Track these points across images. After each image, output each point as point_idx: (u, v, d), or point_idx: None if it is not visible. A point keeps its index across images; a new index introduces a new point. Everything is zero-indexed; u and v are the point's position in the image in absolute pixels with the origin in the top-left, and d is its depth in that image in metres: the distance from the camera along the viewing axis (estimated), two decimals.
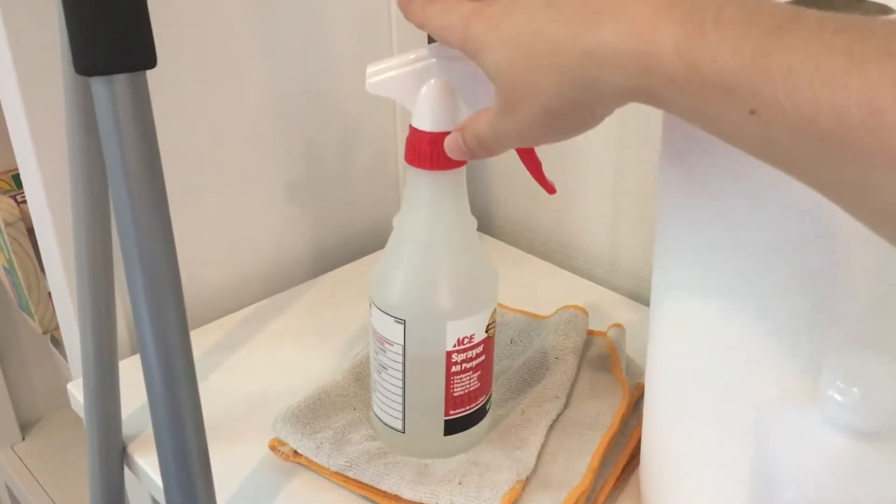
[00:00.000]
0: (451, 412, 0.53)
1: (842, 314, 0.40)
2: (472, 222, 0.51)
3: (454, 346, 0.51)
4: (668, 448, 0.48)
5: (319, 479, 0.55)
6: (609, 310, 0.72)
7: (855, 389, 0.34)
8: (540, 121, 0.37)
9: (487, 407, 0.55)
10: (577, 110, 0.36)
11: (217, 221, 0.73)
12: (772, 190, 0.38)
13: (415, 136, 0.47)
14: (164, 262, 0.44)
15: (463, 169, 0.49)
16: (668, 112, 0.33)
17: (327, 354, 0.68)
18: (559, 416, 0.57)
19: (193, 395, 0.47)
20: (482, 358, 0.52)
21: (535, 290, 0.74)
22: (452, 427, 0.53)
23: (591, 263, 0.81)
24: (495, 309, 0.52)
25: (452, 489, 0.50)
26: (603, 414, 0.56)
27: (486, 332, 0.52)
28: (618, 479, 0.54)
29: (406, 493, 0.51)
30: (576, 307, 0.64)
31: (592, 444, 0.54)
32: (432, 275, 0.50)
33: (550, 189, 0.51)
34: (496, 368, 0.61)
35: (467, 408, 0.53)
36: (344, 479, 0.54)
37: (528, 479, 0.51)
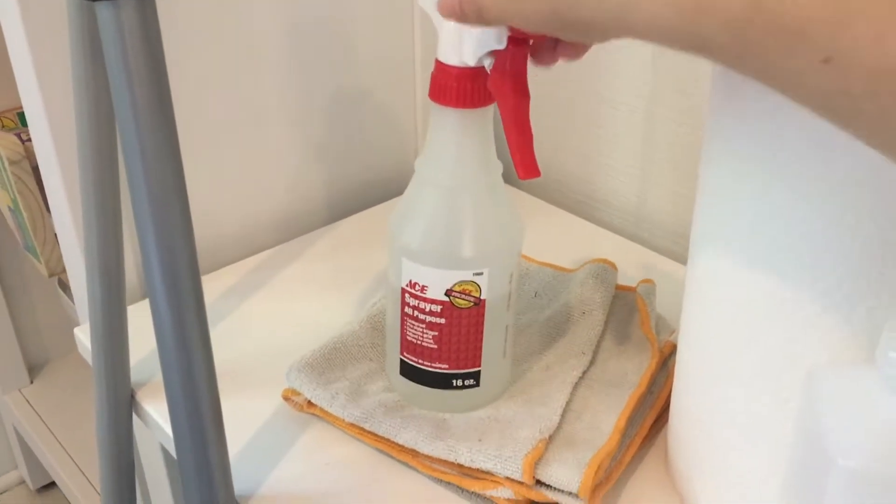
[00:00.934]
0: (405, 353, 0.51)
1: None
2: (498, 166, 0.48)
3: (407, 284, 0.49)
4: (701, 411, 0.46)
5: (334, 430, 0.53)
6: (637, 264, 0.70)
7: None
8: (544, 16, 0.33)
9: (457, 383, 0.51)
10: (587, 28, 0.32)
11: (230, 162, 0.70)
12: (839, 139, 0.35)
13: (441, 71, 0.44)
14: (175, 203, 0.42)
15: (490, 109, 0.46)
16: (713, 60, 0.30)
17: (343, 303, 0.65)
18: (585, 373, 0.54)
19: (205, 342, 0.45)
20: (441, 321, 0.49)
21: (561, 243, 0.71)
22: (407, 371, 0.52)
23: (618, 217, 0.78)
24: (481, 275, 0.48)
25: (472, 445, 0.48)
26: (631, 372, 0.54)
27: (447, 295, 0.48)
28: (644, 439, 0.52)
29: (424, 448, 0.49)
30: (604, 261, 0.62)
31: (620, 403, 0.51)
32: (449, 218, 0.48)
33: (531, 171, 0.44)
34: (521, 320, 0.59)
35: (419, 361, 0.51)
36: (359, 432, 0.52)
37: (551, 437, 0.49)
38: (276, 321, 0.64)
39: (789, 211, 0.38)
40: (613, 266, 0.61)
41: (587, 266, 0.61)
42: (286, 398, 0.54)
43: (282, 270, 0.70)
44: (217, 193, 0.70)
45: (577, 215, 0.79)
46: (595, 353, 0.56)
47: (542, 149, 0.82)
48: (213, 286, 0.68)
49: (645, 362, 0.54)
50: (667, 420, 0.52)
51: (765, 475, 0.43)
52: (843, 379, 0.36)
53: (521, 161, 0.43)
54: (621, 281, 0.62)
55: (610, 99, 0.75)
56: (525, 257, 0.66)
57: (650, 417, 0.52)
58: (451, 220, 0.48)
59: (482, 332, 0.50)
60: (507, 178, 0.71)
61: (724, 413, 0.44)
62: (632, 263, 0.69)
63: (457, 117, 0.45)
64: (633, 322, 0.58)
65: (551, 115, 0.80)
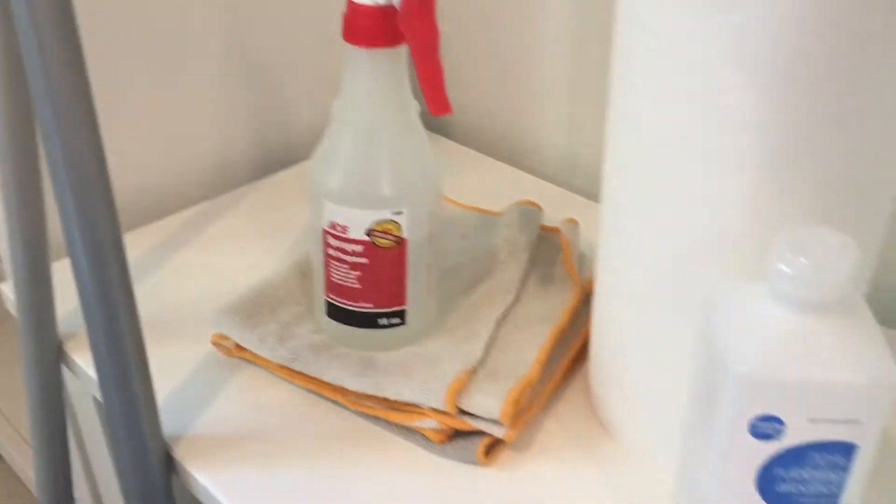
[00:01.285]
0: (330, 295, 0.52)
1: (795, 190, 0.38)
2: (415, 107, 0.49)
3: (328, 226, 0.49)
4: (617, 338, 0.48)
5: (263, 373, 0.54)
6: (566, 208, 0.71)
7: (804, 260, 0.33)
8: None
9: (382, 322, 0.52)
10: None
11: (150, 116, 0.69)
12: (736, 79, 0.36)
13: (352, 10, 0.45)
14: (90, 158, 0.41)
15: (402, 50, 0.46)
16: None
17: (273, 255, 0.65)
18: (509, 309, 0.56)
19: (127, 295, 0.45)
20: (364, 260, 0.50)
21: (494, 191, 0.72)
22: (333, 312, 0.53)
23: (550, 165, 0.80)
24: (405, 214, 0.49)
25: (397, 380, 0.49)
26: (554, 308, 0.55)
27: (368, 235, 0.49)
28: (568, 370, 0.54)
29: (351, 385, 0.50)
30: (530, 202, 0.63)
31: (542, 337, 0.53)
32: (367, 158, 0.48)
33: (442, 107, 0.45)
34: (449, 262, 0.60)
35: (344, 301, 0.52)
36: (289, 373, 0.52)
37: (475, 369, 0.50)
38: (204, 274, 0.64)
39: (685, 135, 0.39)
40: (539, 207, 0.63)
41: (513, 208, 0.63)
42: (215, 343, 0.55)
43: (210, 225, 0.70)
44: (142, 148, 0.70)
45: (511, 165, 0.80)
46: (520, 291, 0.57)
47: (474, 100, 0.84)
48: (140, 241, 0.67)
49: (568, 298, 0.56)
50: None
51: (674, 394, 0.45)
52: (738, 294, 0.37)
53: (433, 97, 0.44)
54: (552, 224, 0.63)
55: (538, 47, 0.75)
56: (454, 202, 0.67)
57: (573, 350, 0.54)
58: (369, 160, 0.48)
59: (405, 271, 0.51)
60: (438, 129, 0.72)
61: (636, 338, 0.46)
62: (562, 209, 0.70)
63: (369, 57, 0.46)
64: (557, 261, 0.60)
65: (482, 66, 0.80)
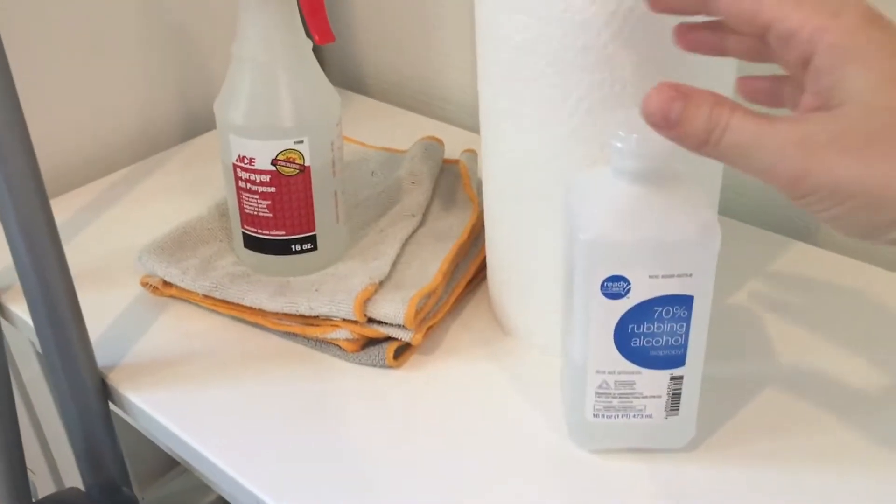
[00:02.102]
0: (245, 226, 0.56)
1: (632, 85, 0.44)
2: (307, 42, 0.53)
3: (237, 160, 0.54)
4: (501, 232, 0.53)
5: (190, 307, 0.58)
6: (473, 147, 0.76)
7: (633, 135, 0.39)
8: (841, 188, 0.31)
9: (295, 248, 0.57)
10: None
11: (71, 84, 0.73)
12: None
13: None
14: (10, 125, 0.45)
15: None
16: None
17: (199, 207, 0.69)
18: (415, 231, 0.60)
19: (57, 250, 0.49)
20: (272, 189, 0.54)
21: (404, 136, 0.77)
22: (249, 242, 0.57)
23: (457, 111, 0.84)
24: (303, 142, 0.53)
25: (310, 296, 0.53)
26: (455, 227, 0.60)
27: (274, 165, 0.53)
28: (470, 281, 0.58)
29: (268, 306, 0.54)
30: (432, 138, 0.68)
31: (444, 252, 0.58)
32: (266, 91, 0.53)
33: (326, 36, 0.50)
34: (360, 196, 0.64)
35: (258, 231, 0.56)
36: (212, 302, 0.57)
37: (381, 283, 0.55)
38: (133, 227, 0.67)
39: (542, 39, 0.43)
40: (440, 142, 0.67)
41: (416, 143, 0.67)
42: (144, 284, 0.59)
43: (137, 185, 0.74)
44: (64, 116, 0.73)
45: (420, 114, 0.85)
46: (424, 215, 0.62)
47: (383, 53, 0.88)
48: (70, 203, 0.71)
49: (467, 218, 0.61)
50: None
51: (553, 284, 0.50)
52: (590, 177, 0.43)
53: (316, 27, 0.48)
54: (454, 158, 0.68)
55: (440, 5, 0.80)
56: (364, 144, 0.71)
57: (474, 264, 0.59)
58: (268, 93, 0.52)
59: (312, 198, 0.55)
60: (350, 84, 0.74)
61: (516, 233, 0.51)
62: (466, 146, 0.75)
63: None
64: (458, 188, 0.65)
65: (388, 18, 0.85)
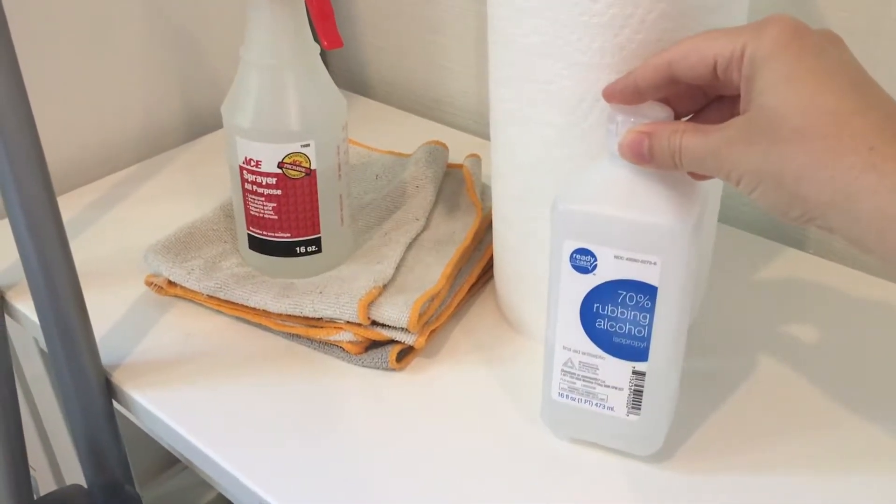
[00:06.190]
0: (250, 228, 0.57)
1: None
2: (315, 47, 0.53)
3: (243, 162, 0.54)
4: (509, 230, 0.53)
5: (194, 307, 0.59)
6: (476, 151, 0.76)
7: (625, 118, 0.39)
8: (761, 180, 0.35)
9: (300, 250, 0.57)
10: (805, 205, 0.35)
11: (77, 83, 0.73)
12: None
13: None
14: (20, 123, 0.45)
15: None
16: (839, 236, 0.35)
17: (204, 208, 0.69)
18: (418, 235, 0.61)
19: (62, 245, 0.49)
20: (278, 192, 0.54)
21: (408, 140, 0.77)
22: (254, 244, 0.57)
23: (460, 116, 0.85)
24: (308, 146, 0.53)
25: (314, 298, 0.54)
26: (458, 231, 0.61)
27: (280, 168, 0.53)
28: (473, 285, 0.59)
29: (273, 307, 0.54)
30: (436, 142, 0.68)
31: (447, 256, 0.58)
32: (273, 94, 0.53)
33: (334, 42, 0.50)
34: (364, 199, 0.65)
35: (263, 233, 0.56)
36: (217, 303, 0.57)
37: (385, 286, 0.55)
38: (139, 226, 0.68)
39: (557, 42, 0.44)
40: (445, 146, 0.68)
41: (421, 147, 0.68)
42: (148, 283, 0.59)
43: (142, 184, 0.74)
44: (71, 115, 0.73)
45: (424, 117, 0.85)
46: (428, 219, 0.62)
47: (388, 56, 0.88)
48: (77, 201, 0.71)
49: (471, 222, 0.61)
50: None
51: None
52: (596, 163, 0.43)
53: (325, 32, 0.48)
54: (458, 163, 0.69)
55: (444, 3, 0.81)
56: (369, 147, 0.72)
57: (478, 268, 0.59)
58: (276, 96, 0.53)
59: (317, 201, 0.56)
60: (355, 87, 0.74)
61: (528, 241, 0.52)
62: (469, 151, 0.76)
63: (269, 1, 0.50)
64: (461, 192, 0.65)
65: (393, 22, 0.85)
